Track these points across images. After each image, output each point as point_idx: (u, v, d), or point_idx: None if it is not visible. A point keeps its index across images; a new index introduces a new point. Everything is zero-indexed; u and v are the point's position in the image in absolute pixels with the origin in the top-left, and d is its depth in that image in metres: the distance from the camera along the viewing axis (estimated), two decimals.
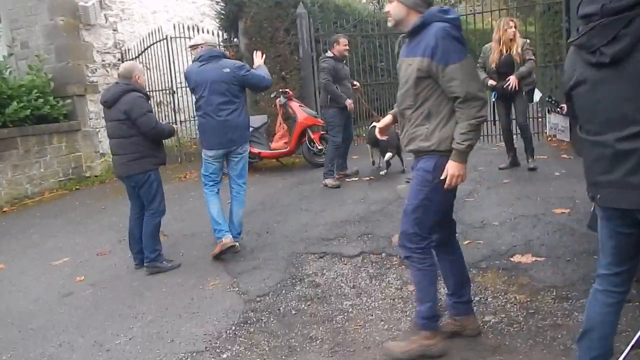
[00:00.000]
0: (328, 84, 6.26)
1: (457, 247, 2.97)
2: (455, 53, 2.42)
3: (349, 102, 6.27)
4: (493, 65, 5.94)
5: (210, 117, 4.48)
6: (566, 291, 3.29)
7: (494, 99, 6.15)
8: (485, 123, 8.21)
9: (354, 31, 9.52)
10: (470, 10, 9.62)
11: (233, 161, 4.64)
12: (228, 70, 4.44)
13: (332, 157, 6.42)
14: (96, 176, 9.36)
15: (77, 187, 8.80)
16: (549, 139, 7.78)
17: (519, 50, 5.83)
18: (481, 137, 8.41)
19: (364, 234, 4.71)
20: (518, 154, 6.38)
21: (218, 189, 4.74)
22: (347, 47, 6.26)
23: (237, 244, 4.57)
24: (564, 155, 6.75)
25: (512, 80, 5.79)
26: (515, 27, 5.94)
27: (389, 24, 2.68)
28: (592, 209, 3.68)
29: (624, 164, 1.86)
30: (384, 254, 4.24)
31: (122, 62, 10.28)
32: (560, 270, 3.57)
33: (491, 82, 5.97)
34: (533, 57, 6.00)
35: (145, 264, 4.54)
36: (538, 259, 3.80)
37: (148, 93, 4.75)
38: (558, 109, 4.63)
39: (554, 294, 3.29)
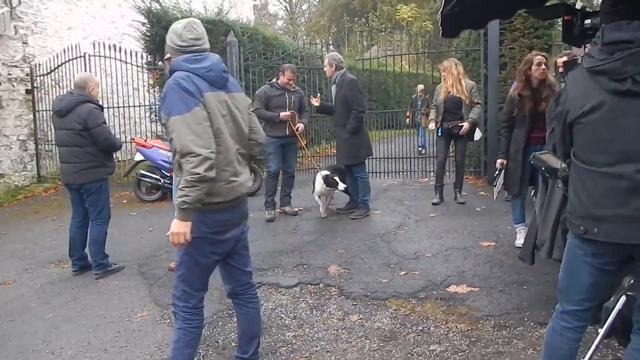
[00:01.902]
0: (256, 111, 6.15)
1: (250, 301, 2.82)
2: (179, 105, 2.28)
3: (283, 115, 5.96)
4: (441, 99, 6.34)
5: None
6: (503, 320, 3.41)
7: (439, 135, 6.50)
8: (410, 159, 8.83)
9: (281, 63, 9.59)
10: (383, 53, 10.07)
11: None
12: None
13: (267, 187, 6.24)
14: None
15: None
16: (465, 177, 8.22)
17: (466, 92, 6.21)
18: (404, 174, 8.79)
19: (300, 264, 4.62)
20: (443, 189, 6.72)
21: None
22: (290, 82, 6.09)
23: None
24: (482, 193, 7.18)
25: (465, 127, 6.22)
26: (460, 69, 6.36)
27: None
28: (523, 241, 3.92)
29: None
30: (321, 285, 4.16)
31: (31, 77, 9.62)
32: (495, 300, 3.71)
33: (431, 125, 6.50)
34: (480, 102, 6.45)
35: (95, 270, 4.60)
36: (473, 289, 3.92)
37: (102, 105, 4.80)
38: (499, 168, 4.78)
39: (492, 322, 3.39)
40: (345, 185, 5.97)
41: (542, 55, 4.43)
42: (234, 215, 2.56)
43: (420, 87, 11.86)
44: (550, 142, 2.86)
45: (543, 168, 3.10)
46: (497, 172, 4.74)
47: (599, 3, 2.51)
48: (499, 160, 4.71)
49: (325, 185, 5.89)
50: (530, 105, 4.35)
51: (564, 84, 2.18)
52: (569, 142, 2.06)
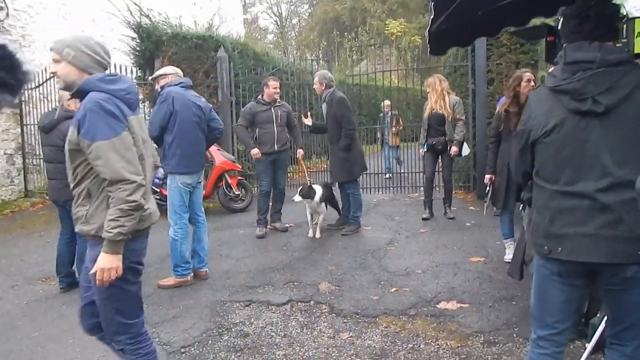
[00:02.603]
0: (237, 128, 6.32)
1: None
2: (104, 129, 2.14)
3: (253, 152, 6.03)
4: (426, 116, 6.47)
5: (195, 139, 4.54)
6: (493, 336, 3.42)
7: (425, 150, 6.60)
8: (399, 174, 8.86)
9: None
10: (373, 69, 10.14)
11: (198, 188, 4.76)
12: (203, 99, 4.73)
13: (259, 205, 6.21)
14: None
15: None
16: (454, 192, 8.28)
17: (449, 109, 6.27)
18: (393, 189, 8.82)
19: (290, 281, 4.60)
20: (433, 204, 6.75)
21: None
22: (277, 90, 6.11)
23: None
24: (471, 207, 7.23)
25: (454, 151, 6.33)
26: (445, 85, 6.45)
27: (59, 86, 2.39)
28: (512, 256, 3.94)
29: (602, 216, 1.83)
30: (312, 302, 4.15)
31: None
32: (485, 316, 3.72)
33: (421, 151, 6.83)
34: (463, 118, 6.49)
35: None
36: (463, 305, 3.93)
37: None
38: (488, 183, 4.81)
39: (482, 339, 3.40)
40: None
41: (531, 73, 4.52)
42: (145, 245, 2.48)
43: (387, 102, 11.16)
44: None
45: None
46: (487, 188, 4.77)
47: None
48: (487, 176, 4.75)
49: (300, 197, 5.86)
50: (516, 121, 4.41)
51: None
52: (530, 160, 2.07)
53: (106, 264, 2.16)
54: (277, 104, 6.16)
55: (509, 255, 4.62)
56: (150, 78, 4.99)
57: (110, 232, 2.13)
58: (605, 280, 1.94)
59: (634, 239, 1.81)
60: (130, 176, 2.15)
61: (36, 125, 9.64)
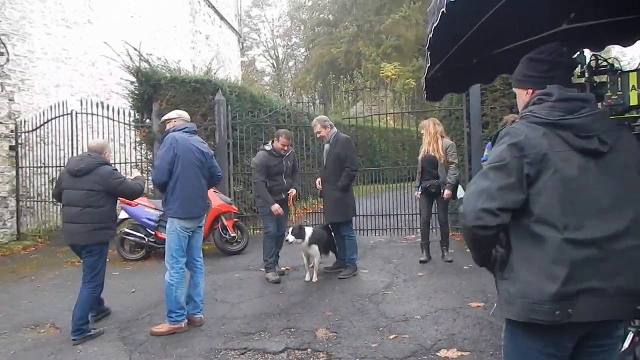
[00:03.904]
0: (259, 186, 6.03)
1: None
2: None
3: (274, 209, 5.89)
4: (420, 158, 6.53)
5: (197, 184, 4.57)
6: None
7: (419, 192, 6.60)
8: (396, 216, 8.83)
9: (268, 121, 9.75)
10: (368, 110, 10.20)
11: (198, 233, 4.76)
12: (206, 145, 4.81)
13: (266, 249, 6.11)
14: None
15: None
16: (451, 234, 8.23)
17: (441, 152, 6.31)
18: (391, 230, 8.78)
19: (287, 327, 4.49)
20: (430, 247, 6.69)
21: None
22: (284, 148, 6.07)
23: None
24: (468, 250, 7.14)
25: (447, 194, 6.31)
26: (439, 128, 6.49)
27: None
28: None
29: (607, 266, 1.65)
30: (309, 350, 4.04)
31: (16, 134, 9.61)
32: None
33: (416, 194, 6.78)
34: (456, 161, 6.48)
35: (73, 336, 4.41)
36: (463, 353, 3.83)
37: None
38: None
39: None
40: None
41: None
42: None
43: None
44: None
45: None
46: None
47: (577, 74, 2.61)
48: None
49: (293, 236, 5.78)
50: None
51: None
52: (518, 198, 1.73)
53: None
54: (286, 154, 6.17)
55: None
56: (159, 122, 5.10)
57: None
58: (594, 342, 1.75)
59: (632, 292, 1.68)
60: None
61: (32, 168, 9.69)
